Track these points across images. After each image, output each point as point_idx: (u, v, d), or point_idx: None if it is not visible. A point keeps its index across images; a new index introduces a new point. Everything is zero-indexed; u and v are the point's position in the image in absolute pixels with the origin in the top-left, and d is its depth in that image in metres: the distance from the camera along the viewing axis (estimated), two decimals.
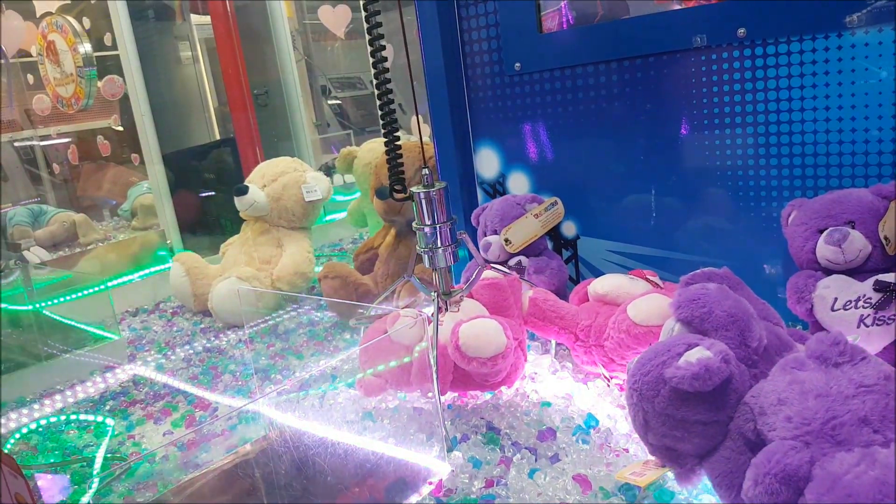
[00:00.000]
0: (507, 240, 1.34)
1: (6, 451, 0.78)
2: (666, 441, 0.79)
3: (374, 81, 1.10)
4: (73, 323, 1.86)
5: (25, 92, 2.84)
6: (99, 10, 2.57)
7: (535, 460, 0.94)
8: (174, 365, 1.63)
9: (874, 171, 1.09)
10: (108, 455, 1.20)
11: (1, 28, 2.54)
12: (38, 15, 2.66)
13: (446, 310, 1.08)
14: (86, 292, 1.94)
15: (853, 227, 1.00)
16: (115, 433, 1.28)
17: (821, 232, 1.02)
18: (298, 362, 1.57)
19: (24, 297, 2.01)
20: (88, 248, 2.53)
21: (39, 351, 1.74)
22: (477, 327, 0.98)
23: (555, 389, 1.12)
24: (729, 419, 0.78)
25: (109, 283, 2.15)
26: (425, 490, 0.91)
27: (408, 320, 1.03)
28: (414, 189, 1.04)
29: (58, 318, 1.90)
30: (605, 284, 1.16)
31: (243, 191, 2.04)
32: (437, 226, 1.03)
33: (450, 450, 0.98)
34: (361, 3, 1.05)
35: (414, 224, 1.06)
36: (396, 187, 1.08)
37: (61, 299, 1.98)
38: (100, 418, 1.36)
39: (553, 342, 1.25)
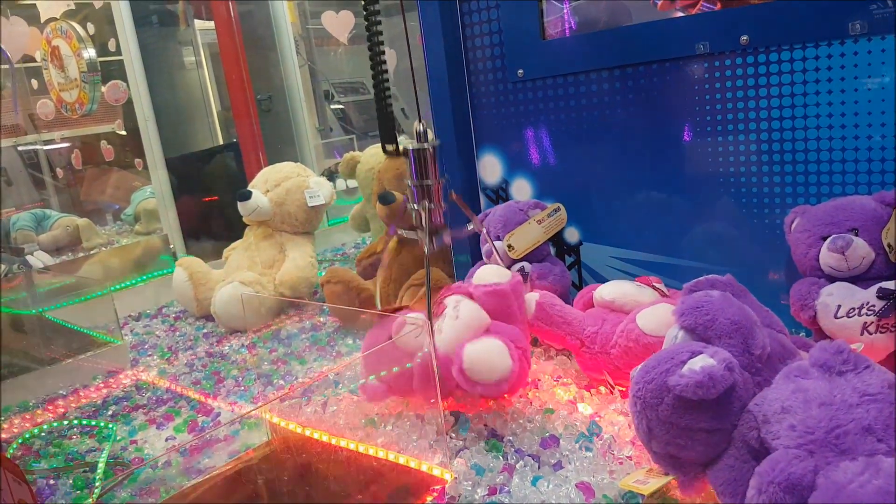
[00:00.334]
0: (510, 245, 1.35)
1: (8, 457, 0.78)
2: (669, 449, 0.79)
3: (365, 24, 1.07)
4: (75, 327, 1.87)
5: (29, 97, 2.85)
6: (103, 15, 2.58)
7: (539, 468, 0.94)
8: (177, 370, 1.63)
9: (877, 179, 1.09)
10: (111, 460, 1.20)
11: (6, 33, 2.55)
12: (42, 20, 2.67)
13: (432, 245, 1.06)
14: (88, 297, 1.94)
15: (856, 235, 1.00)
16: (118, 438, 1.28)
17: (824, 239, 1.02)
18: (301, 367, 1.57)
19: (27, 301, 2.02)
20: (91, 252, 2.53)
21: (42, 355, 1.75)
22: (482, 351, 0.98)
23: (558, 396, 1.12)
24: (732, 427, 0.78)
25: (112, 288, 2.15)
26: (428, 497, 0.91)
27: (412, 328, 1.03)
28: (405, 142, 1.02)
29: (60, 322, 1.90)
30: (611, 291, 1.16)
31: (246, 196, 2.05)
32: (426, 183, 1.01)
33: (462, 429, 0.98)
34: None
35: (406, 181, 1.04)
36: (388, 145, 1.06)
37: (64, 304, 1.99)
38: (102, 423, 1.36)
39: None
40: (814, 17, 1.08)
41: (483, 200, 1.59)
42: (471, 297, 1.11)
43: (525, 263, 1.34)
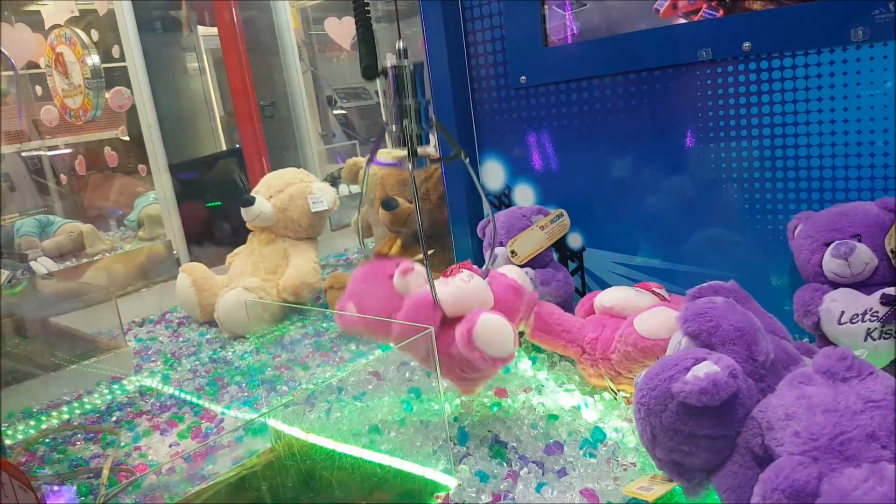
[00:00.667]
0: (513, 251, 1.35)
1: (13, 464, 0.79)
2: (674, 455, 0.79)
3: None
4: (79, 333, 1.87)
5: (34, 103, 2.87)
6: (107, 22, 2.60)
7: (543, 474, 0.94)
8: (180, 376, 1.63)
9: (880, 185, 1.09)
10: (115, 466, 1.21)
11: (11, 40, 2.56)
12: (46, 27, 2.69)
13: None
14: (92, 303, 1.95)
15: (859, 241, 1.00)
16: (122, 444, 1.28)
17: (827, 245, 1.02)
18: (304, 373, 1.57)
19: (30, 307, 2.03)
20: (95, 258, 2.54)
21: (46, 361, 1.75)
22: (497, 324, 0.93)
23: (561, 402, 1.12)
24: (737, 434, 0.78)
25: (116, 294, 2.15)
26: None
27: (419, 278, 1.00)
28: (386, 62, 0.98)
29: (64, 328, 1.91)
30: (610, 297, 1.16)
31: (250, 202, 2.05)
32: (406, 102, 0.95)
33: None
34: None
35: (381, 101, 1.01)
36: (369, 70, 1.00)
37: (68, 310, 1.99)
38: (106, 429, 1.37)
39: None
40: (816, 24, 1.08)
41: (486, 206, 1.59)
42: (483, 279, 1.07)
43: (528, 269, 1.34)
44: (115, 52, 2.58)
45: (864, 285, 1.00)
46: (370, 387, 1.24)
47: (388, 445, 1.01)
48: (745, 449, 0.76)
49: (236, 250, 2.21)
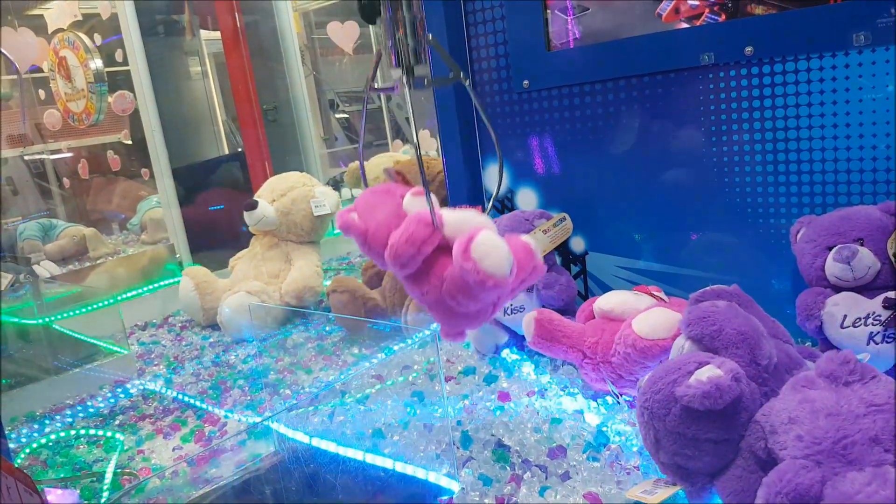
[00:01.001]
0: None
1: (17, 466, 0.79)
2: (677, 459, 0.79)
3: None
4: (82, 337, 1.87)
5: (36, 107, 2.88)
6: (110, 26, 2.61)
7: (546, 478, 0.94)
8: (183, 380, 1.63)
9: (882, 189, 1.09)
10: (118, 470, 1.21)
11: (15, 44, 2.57)
12: (49, 31, 2.70)
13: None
14: (95, 306, 1.95)
15: (862, 245, 1.00)
16: (125, 448, 1.29)
17: (829, 249, 1.02)
18: (307, 377, 1.57)
19: (33, 311, 2.03)
20: (98, 262, 2.54)
21: (49, 365, 1.75)
22: (497, 242, 0.86)
23: (564, 406, 1.12)
24: (740, 437, 0.78)
25: (118, 296, 2.16)
26: None
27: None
28: None
29: (67, 332, 1.91)
30: (610, 301, 1.16)
31: (253, 206, 2.06)
32: (401, 15, 0.91)
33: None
34: None
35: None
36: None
37: (71, 313, 2.00)
38: (109, 433, 1.37)
39: None
40: (818, 29, 1.09)
41: (488, 210, 1.59)
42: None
43: None
44: (119, 56, 2.59)
45: (866, 289, 1.00)
46: (373, 390, 1.24)
47: (392, 449, 1.01)
48: (748, 453, 0.76)
49: (239, 254, 2.21)
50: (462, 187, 1.57)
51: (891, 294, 0.96)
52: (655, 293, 1.18)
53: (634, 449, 0.97)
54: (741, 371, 0.79)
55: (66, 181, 3.01)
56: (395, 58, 0.96)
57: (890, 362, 0.96)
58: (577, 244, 1.45)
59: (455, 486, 0.94)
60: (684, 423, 0.77)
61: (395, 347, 1.52)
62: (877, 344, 0.96)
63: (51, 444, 1.35)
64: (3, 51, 2.43)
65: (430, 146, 3.48)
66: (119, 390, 1.59)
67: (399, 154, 2.89)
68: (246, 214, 2.08)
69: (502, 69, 1.47)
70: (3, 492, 0.68)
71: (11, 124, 2.85)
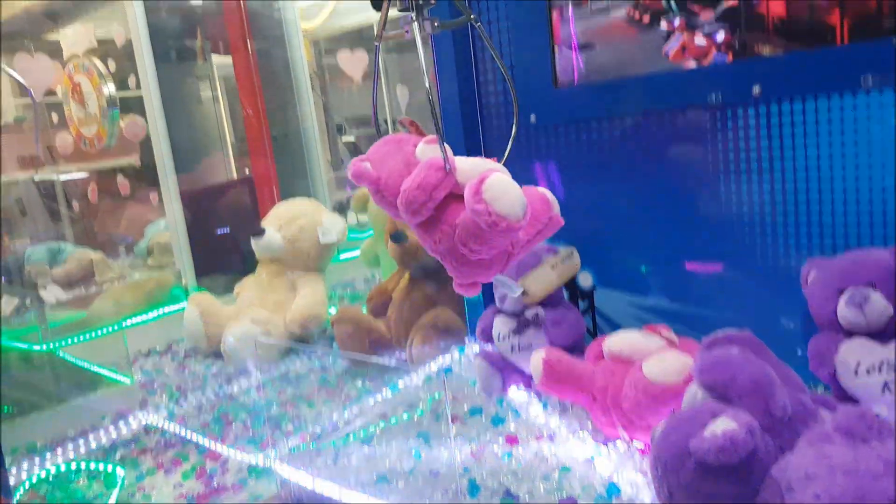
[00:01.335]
0: (523, 290, 1.34)
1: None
2: None
3: None
4: (86, 365, 1.87)
5: (49, 130, 2.90)
6: (123, 52, 2.64)
7: None
8: (185, 412, 1.62)
9: (892, 231, 1.08)
10: None
11: (31, 70, 2.60)
12: (65, 56, 2.73)
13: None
14: (100, 332, 1.95)
15: (874, 289, 0.98)
16: (125, 484, 1.27)
17: (841, 293, 1.01)
18: (310, 411, 1.55)
19: (38, 336, 2.03)
20: (104, 286, 2.54)
21: (52, 393, 1.74)
22: (510, 185, 0.84)
23: (574, 452, 1.09)
24: (755, 493, 0.76)
25: (123, 323, 2.15)
26: None
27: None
28: None
29: (71, 359, 1.90)
30: (618, 342, 1.15)
31: (260, 233, 2.06)
32: None
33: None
34: None
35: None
36: None
37: (75, 339, 1.99)
38: (110, 468, 1.35)
39: None
40: (826, 70, 1.08)
41: None
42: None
43: (539, 309, 1.33)
44: (132, 81, 2.61)
45: (879, 335, 0.98)
46: (378, 430, 1.22)
47: (397, 497, 0.99)
48: None
49: (244, 280, 2.20)
50: None
51: None
52: (665, 333, 1.17)
53: (647, 500, 0.95)
54: (756, 423, 0.77)
55: (75, 204, 3.02)
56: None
57: None
58: (585, 280, 1.44)
59: None
60: (698, 478, 0.75)
61: (400, 384, 1.50)
62: (892, 393, 0.94)
63: (51, 478, 1.33)
64: (18, 77, 2.45)
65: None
66: (121, 422, 1.58)
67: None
68: (253, 242, 2.08)
69: (509, 104, 1.47)
70: None
71: (24, 146, 2.88)
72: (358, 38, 3.39)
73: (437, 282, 1.93)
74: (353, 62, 3.12)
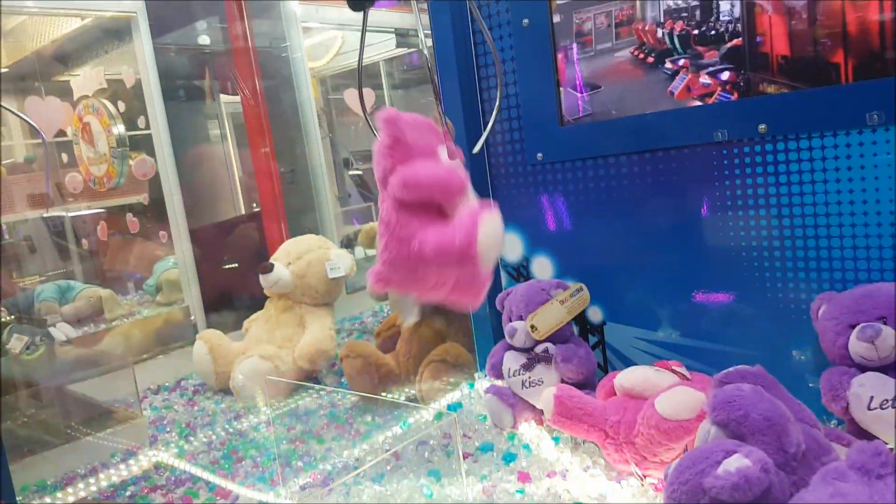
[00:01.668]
0: (532, 326, 1.34)
1: None
2: None
3: None
4: (95, 402, 1.86)
5: (59, 170, 2.94)
6: (133, 92, 2.69)
7: None
8: (195, 448, 1.62)
9: None
10: None
11: (41, 112, 2.65)
12: (75, 98, 2.78)
13: None
14: (109, 370, 1.95)
15: (885, 323, 0.99)
16: None
17: (852, 327, 1.01)
18: (319, 447, 1.55)
19: (48, 374, 2.03)
20: (113, 323, 2.56)
21: (62, 430, 1.74)
22: (500, 240, 0.86)
23: (587, 489, 1.09)
24: None
25: (132, 361, 2.16)
26: None
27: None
28: None
29: (80, 396, 1.90)
30: (630, 378, 1.15)
31: (269, 269, 2.08)
32: None
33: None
34: None
35: None
36: None
37: (85, 377, 1.99)
38: None
39: None
40: (832, 107, 1.10)
41: (504, 277, 1.60)
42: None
43: (549, 345, 1.34)
44: (141, 122, 2.66)
45: (891, 369, 0.99)
46: (388, 467, 1.22)
47: None
48: None
49: (253, 316, 2.22)
50: None
51: None
52: (677, 369, 1.17)
53: None
54: (769, 461, 0.77)
55: (84, 241, 3.05)
56: None
57: None
58: (595, 314, 1.45)
59: None
60: None
61: (410, 420, 1.50)
62: None
63: None
64: (30, 121, 2.50)
65: None
66: (131, 461, 1.57)
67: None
68: (262, 278, 2.10)
69: (516, 142, 1.49)
70: None
71: (34, 185, 2.91)
72: (364, 75, 3.45)
73: (446, 317, 1.93)
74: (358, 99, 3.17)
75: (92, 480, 1.49)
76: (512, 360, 1.36)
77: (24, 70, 2.96)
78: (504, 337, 1.40)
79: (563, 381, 1.30)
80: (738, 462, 0.75)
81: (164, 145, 2.60)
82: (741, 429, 0.83)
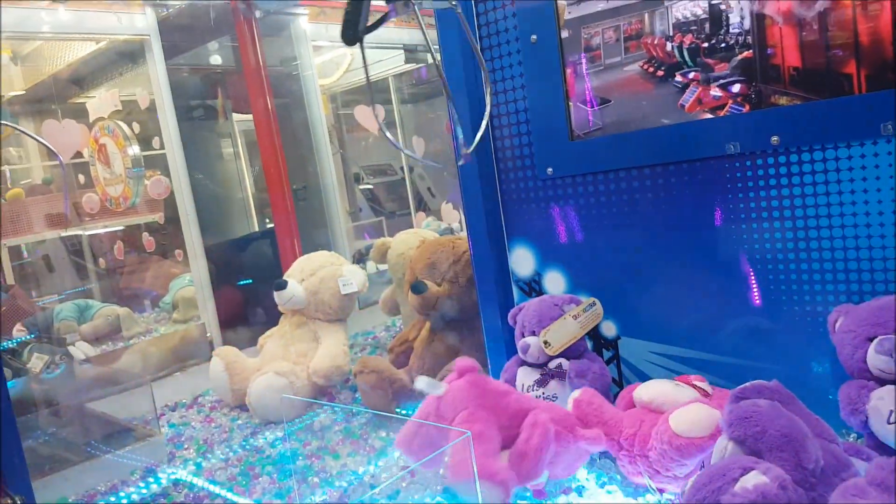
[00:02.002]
0: (546, 342, 1.34)
1: None
2: None
3: None
4: (114, 419, 1.88)
5: (76, 191, 2.99)
6: (147, 113, 2.74)
7: None
8: (212, 465, 1.63)
9: None
10: None
11: (58, 135, 2.70)
12: (90, 120, 2.83)
13: None
14: (127, 388, 1.97)
15: None
16: None
17: (870, 340, 1.00)
18: (335, 463, 1.55)
19: (67, 392, 2.05)
20: (131, 341, 2.58)
21: (82, 448, 1.76)
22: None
23: None
24: None
25: (150, 378, 2.18)
26: None
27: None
28: None
29: (99, 414, 1.92)
30: (649, 391, 1.15)
31: (282, 286, 2.09)
32: None
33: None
34: None
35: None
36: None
37: (103, 394, 2.01)
38: None
39: None
40: (845, 119, 1.10)
41: (516, 292, 1.60)
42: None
43: (563, 360, 1.34)
44: (156, 142, 2.70)
45: None
46: (404, 484, 1.22)
47: None
48: None
49: (268, 332, 2.23)
50: (489, 268, 1.58)
51: None
52: (698, 384, 1.16)
53: None
54: (787, 478, 0.77)
55: (101, 260, 3.09)
56: None
57: None
58: (609, 329, 1.44)
59: None
60: None
61: None
62: None
63: None
64: (48, 144, 2.55)
65: (453, 218, 3.54)
66: (150, 477, 1.59)
67: (423, 230, 2.92)
68: (276, 294, 2.12)
69: (526, 157, 1.50)
70: None
71: (52, 205, 2.96)
72: (373, 90, 3.49)
73: (459, 332, 1.94)
74: (368, 115, 3.21)
75: (112, 499, 1.50)
76: (525, 376, 1.36)
77: (41, 94, 3.02)
78: (517, 352, 1.41)
79: None
80: (755, 479, 0.75)
81: (178, 165, 2.64)
82: (758, 445, 0.82)
